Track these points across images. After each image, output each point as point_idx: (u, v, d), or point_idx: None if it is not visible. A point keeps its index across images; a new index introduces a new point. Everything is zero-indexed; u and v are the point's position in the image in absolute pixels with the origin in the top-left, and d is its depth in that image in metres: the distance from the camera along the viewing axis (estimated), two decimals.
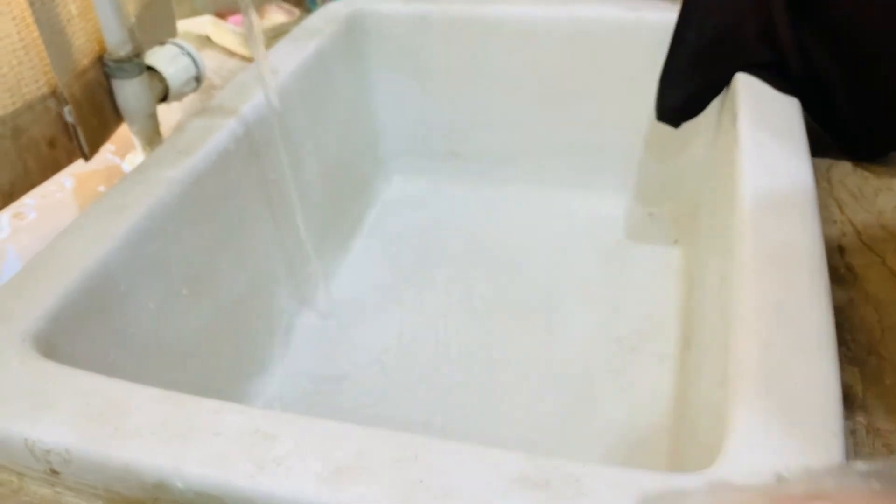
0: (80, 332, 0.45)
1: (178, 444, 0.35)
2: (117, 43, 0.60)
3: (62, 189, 0.66)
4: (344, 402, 0.63)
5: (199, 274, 0.57)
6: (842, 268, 0.48)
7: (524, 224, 0.79)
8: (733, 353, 0.37)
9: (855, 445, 0.37)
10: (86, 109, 0.60)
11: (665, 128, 0.68)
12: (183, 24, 0.87)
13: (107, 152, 0.70)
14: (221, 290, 0.60)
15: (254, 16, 0.56)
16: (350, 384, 0.65)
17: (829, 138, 0.60)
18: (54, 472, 0.37)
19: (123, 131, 0.66)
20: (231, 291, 0.61)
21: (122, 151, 0.70)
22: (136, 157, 0.66)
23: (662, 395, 0.60)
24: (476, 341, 0.67)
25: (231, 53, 0.88)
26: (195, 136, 0.59)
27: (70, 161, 0.60)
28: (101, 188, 0.65)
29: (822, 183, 0.56)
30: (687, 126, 0.68)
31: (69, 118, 0.58)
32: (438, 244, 0.79)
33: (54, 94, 0.57)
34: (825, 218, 0.51)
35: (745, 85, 0.60)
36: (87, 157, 0.60)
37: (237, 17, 0.89)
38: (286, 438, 0.35)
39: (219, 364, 0.60)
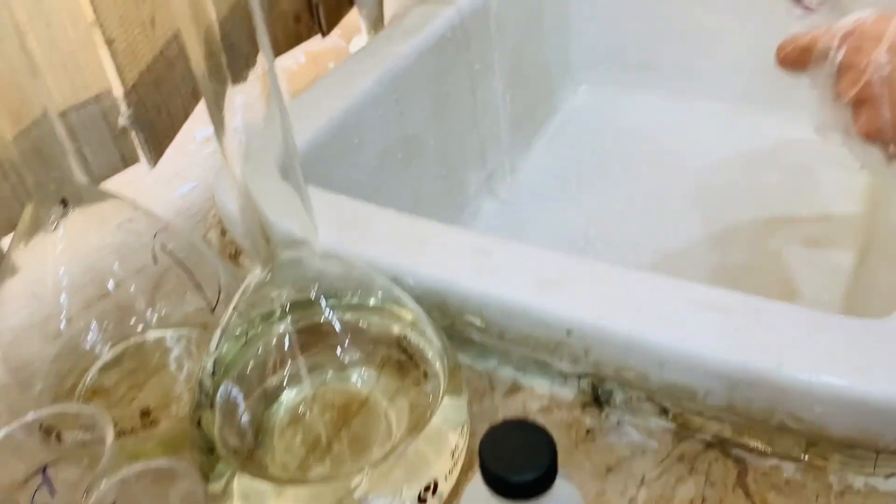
0: (324, 167, 0.54)
1: (411, 250, 0.42)
2: None
3: (297, 63, 0.75)
4: None
5: (411, 143, 0.64)
6: None
7: (709, 141, 0.81)
8: None
9: None
10: None
11: None
12: None
13: (334, 35, 0.79)
14: (427, 162, 0.67)
15: None
16: None
17: None
18: None
19: (347, 20, 0.74)
20: (433, 165, 0.68)
21: (346, 36, 0.78)
22: (361, 39, 0.75)
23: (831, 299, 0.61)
24: (647, 236, 0.71)
25: None
26: (418, 20, 0.66)
27: (309, 36, 0.69)
28: (331, 64, 0.74)
29: None
30: None
31: None
32: (620, 152, 0.82)
33: None
34: None
35: None
36: (324, 34, 0.68)
37: None
38: (500, 255, 0.41)
39: None
